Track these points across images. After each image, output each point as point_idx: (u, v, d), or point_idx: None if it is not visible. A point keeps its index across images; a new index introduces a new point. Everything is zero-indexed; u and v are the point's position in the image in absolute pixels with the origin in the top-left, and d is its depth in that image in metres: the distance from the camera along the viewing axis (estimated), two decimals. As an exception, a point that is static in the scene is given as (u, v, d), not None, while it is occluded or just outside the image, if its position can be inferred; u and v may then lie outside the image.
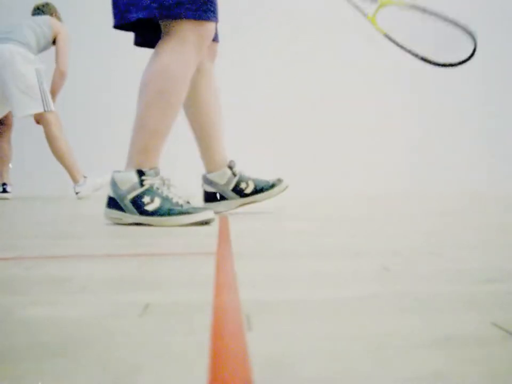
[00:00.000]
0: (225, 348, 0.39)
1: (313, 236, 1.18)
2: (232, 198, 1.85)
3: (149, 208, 1.38)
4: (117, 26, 1.54)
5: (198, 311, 0.49)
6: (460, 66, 1.82)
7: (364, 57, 4.66)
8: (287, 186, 1.88)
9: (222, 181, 1.84)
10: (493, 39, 4.63)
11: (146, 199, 1.38)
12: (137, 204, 1.39)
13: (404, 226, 1.41)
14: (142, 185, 1.40)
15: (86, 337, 0.42)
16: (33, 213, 2.13)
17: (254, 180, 1.86)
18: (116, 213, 1.43)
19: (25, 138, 3.75)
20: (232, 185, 1.84)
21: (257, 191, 1.84)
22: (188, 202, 1.43)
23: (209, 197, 1.87)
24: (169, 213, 1.37)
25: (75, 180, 3.41)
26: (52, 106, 3.39)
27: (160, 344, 0.40)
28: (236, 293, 0.57)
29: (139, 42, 1.68)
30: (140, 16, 1.45)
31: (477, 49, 1.74)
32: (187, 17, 1.45)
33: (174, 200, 1.40)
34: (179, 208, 1.38)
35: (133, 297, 0.55)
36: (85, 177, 3.41)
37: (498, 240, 1.06)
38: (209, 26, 1.50)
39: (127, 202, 1.40)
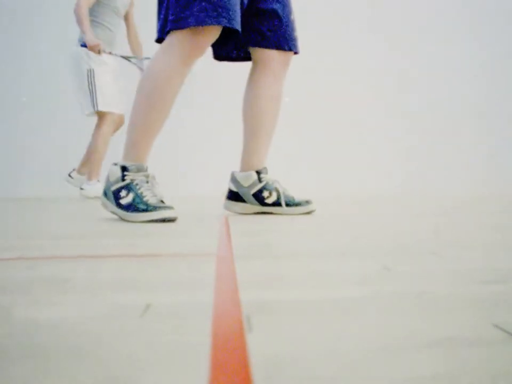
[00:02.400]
0: (225, 348, 0.39)
1: (313, 236, 1.18)
2: (250, 203, 1.84)
3: (123, 202, 1.52)
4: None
5: (198, 312, 0.49)
6: None
7: (364, 59, 4.66)
8: (312, 210, 1.84)
9: (245, 183, 1.84)
10: (493, 39, 4.63)
11: (123, 193, 1.53)
12: (116, 196, 1.55)
13: (404, 226, 1.40)
14: (123, 180, 1.54)
15: (87, 338, 0.42)
16: (33, 213, 2.13)
17: (280, 192, 1.83)
18: (104, 199, 1.60)
19: (27, 139, 3.75)
20: (254, 190, 1.83)
21: (278, 203, 1.83)
22: (162, 201, 1.52)
23: (231, 195, 1.87)
24: (134, 209, 1.49)
25: (89, 177, 3.55)
26: (100, 107, 3.45)
27: (161, 344, 0.40)
28: (236, 294, 0.57)
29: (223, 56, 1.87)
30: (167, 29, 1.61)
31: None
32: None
33: (145, 198, 1.50)
34: (143, 206, 1.48)
35: (134, 298, 0.55)
36: (98, 180, 3.54)
37: (498, 241, 1.06)
38: (200, 30, 1.55)
39: (110, 192, 1.57)
